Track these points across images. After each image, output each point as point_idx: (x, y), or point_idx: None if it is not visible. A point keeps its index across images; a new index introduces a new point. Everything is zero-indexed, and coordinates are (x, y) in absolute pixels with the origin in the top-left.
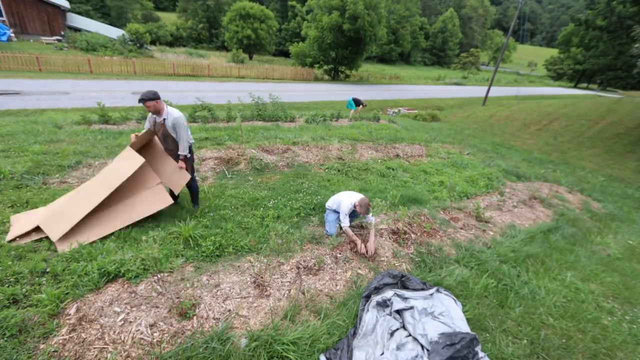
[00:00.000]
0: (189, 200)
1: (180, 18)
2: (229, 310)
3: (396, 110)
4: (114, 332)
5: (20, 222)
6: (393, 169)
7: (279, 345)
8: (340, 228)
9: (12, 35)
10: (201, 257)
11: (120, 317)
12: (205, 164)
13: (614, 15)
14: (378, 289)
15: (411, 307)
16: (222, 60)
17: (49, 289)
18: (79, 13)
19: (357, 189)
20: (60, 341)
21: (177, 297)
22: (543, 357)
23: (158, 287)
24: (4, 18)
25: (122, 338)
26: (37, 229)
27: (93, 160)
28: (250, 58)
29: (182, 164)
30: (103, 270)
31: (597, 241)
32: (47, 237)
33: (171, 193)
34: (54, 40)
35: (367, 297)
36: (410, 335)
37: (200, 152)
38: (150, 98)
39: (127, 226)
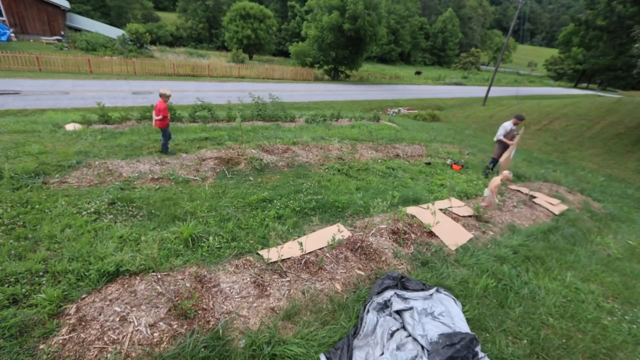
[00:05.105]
0: None
1: (180, 18)
2: (229, 311)
3: (396, 110)
4: (114, 332)
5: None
6: (393, 169)
7: (278, 345)
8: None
9: (12, 35)
10: (201, 257)
11: (120, 317)
12: (205, 164)
13: (614, 15)
14: (380, 294)
15: (411, 308)
16: (222, 60)
17: (49, 289)
18: (79, 13)
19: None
20: (60, 341)
21: (177, 297)
22: (543, 357)
23: (158, 287)
24: (4, 18)
25: (122, 338)
26: None
27: (93, 160)
28: (250, 58)
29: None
30: (103, 270)
31: (597, 241)
32: None
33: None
34: (54, 40)
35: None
36: (410, 335)
37: (200, 152)
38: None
39: None
